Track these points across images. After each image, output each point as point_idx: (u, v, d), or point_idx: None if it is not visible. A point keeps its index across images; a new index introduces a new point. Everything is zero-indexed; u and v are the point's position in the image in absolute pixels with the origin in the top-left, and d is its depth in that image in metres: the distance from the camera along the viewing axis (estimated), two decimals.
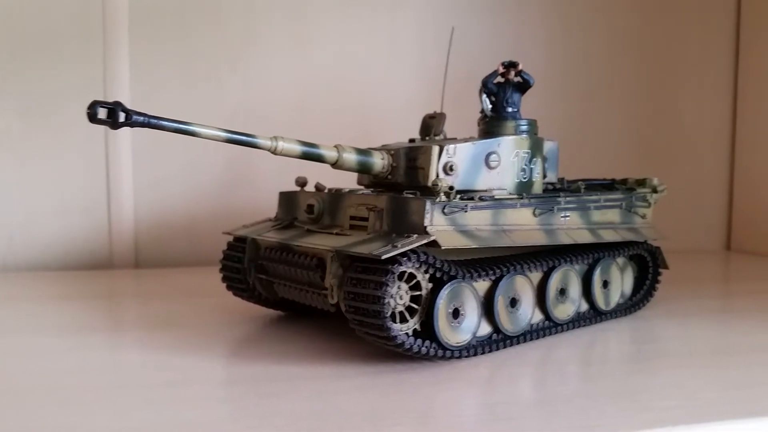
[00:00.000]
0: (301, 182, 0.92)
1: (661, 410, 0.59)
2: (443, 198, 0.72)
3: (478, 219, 0.74)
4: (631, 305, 0.95)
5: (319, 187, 0.92)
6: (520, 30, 1.52)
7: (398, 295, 0.68)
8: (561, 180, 0.98)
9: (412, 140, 0.94)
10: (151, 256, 1.40)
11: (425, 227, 0.70)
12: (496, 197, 0.77)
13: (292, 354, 0.75)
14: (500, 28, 1.51)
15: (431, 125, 0.95)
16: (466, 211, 0.73)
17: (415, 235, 0.69)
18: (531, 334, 0.80)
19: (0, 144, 1.32)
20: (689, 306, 1.01)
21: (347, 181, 0.95)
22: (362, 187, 0.92)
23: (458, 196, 0.75)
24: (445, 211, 0.71)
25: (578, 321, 0.87)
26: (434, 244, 0.69)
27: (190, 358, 0.74)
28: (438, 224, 0.71)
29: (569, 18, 1.55)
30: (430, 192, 0.73)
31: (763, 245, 1.55)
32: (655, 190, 0.98)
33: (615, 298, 0.92)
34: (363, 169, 0.83)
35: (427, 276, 0.70)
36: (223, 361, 0.75)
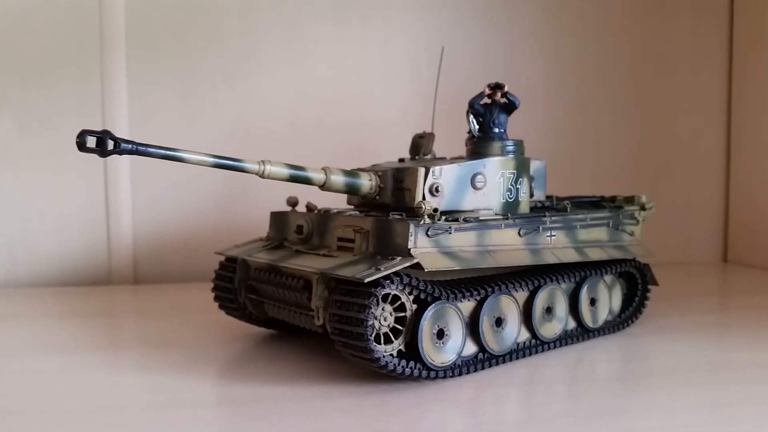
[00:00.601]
0: (292, 202, 0.93)
1: (640, 431, 0.60)
2: (427, 220, 0.73)
3: (462, 240, 0.75)
4: (620, 322, 0.95)
5: (310, 207, 0.93)
6: (513, 47, 1.53)
7: (382, 317, 0.69)
8: (550, 198, 0.99)
9: (401, 160, 0.96)
10: (149, 272, 1.42)
11: (409, 250, 0.71)
12: (480, 218, 0.78)
13: (281, 374, 0.76)
14: (493, 45, 1.52)
15: (420, 144, 0.97)
16: (450, 233, 0.74)
17: (399, 258, 0.70)
18: (517, 353, 0.81)
19: (1, 162, 1.34)
20: (681, 322, 1.01)
21: (339, 201, 0.96)
22: (351, 207, 0.93)
23: (443, 217, 0.76)
24: (429, 233, 0.72)
25: (565, 339, 0.87)
26: (418, 266, 0.70)
27: (180, 378, 0.75)
28: (422, 246, 0.72)
29: (562, 35, 1.56)
30: (417, 213, 0.75)
31: (760, 257, 1.55)
32: (643, 208, 0.99)
33: (603, 316, 0.92)
34: (351, 191, 0.84)
35: (412, 297, 0.71)
36: (213, 382, 0.77)
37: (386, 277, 0.68)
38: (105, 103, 1.36)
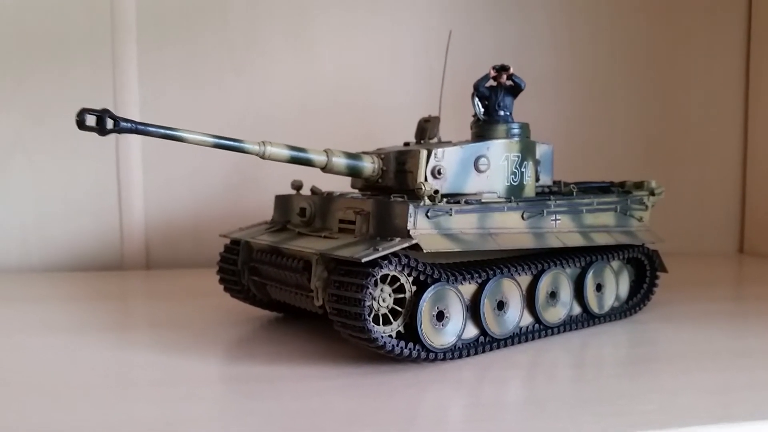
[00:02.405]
0: (297, 185, 0.93)
1: (637, 414, 0.59)
2: (427, 202, 0.72)
3: (463, 222, 0.75)
4: (627, 309, 0.94)
5: (314, 191, 0.93)
6: (524, 31, 1.52)
7: (381, 298, 0.69)
8: (558, 183, 0.98)
9: (406, 144, 0.95)
10: (161, 257, 1.43)
11: (408, 231, 0.70)
12: (483, 201, 0.78)
13: (281, 354, 0.77)
14: (503, 29, 1.51)
15: (426, 129, 0.96)
16: (450, 215, 0.74)
17: (398, 239, 0.70)
18: (520, 337, 0.81)
19: (13, 148, 1.36)
20: (690, 310, 1.00)
21: (344, 185, 0.96)
22: (355, 190, 0.93)
23: (445, 199, 0.75)
24: (429, 214, 0.72)
25: (570, 324, 0.87)
26: (417, 247, 0.70)
27: (185, 357, 0.76)
28: (421, 228, 0.71)
29: (574, 19, 1.54)
30: (417, 195, 0.74)
31: None
32: (652, 193, 0.97)
33: (609, 302, 0.91)
34: (353, 173, 0.84)
35: (411, 279, 0.71)
36: (216, 361, 0.77)
37: (384, 258, 0.67)
38: (116, 89, 1.37)
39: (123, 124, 0.67)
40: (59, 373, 0.72)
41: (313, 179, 0.96)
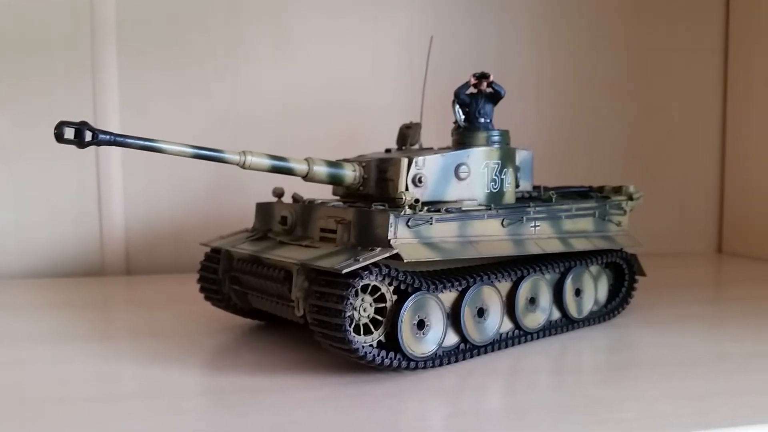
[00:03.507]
0: (278, 193, 0.93)
1: (615, 422, 0.60)
2: (408, 211, 0.73)
3: (443, 231, 0.75)
4: (606, 313, 0.95)
5: (296, 198, 0.93)
6: (505, 37, 1.52)
7: (362, 308, 0.69)
8: (538, 188, 0.99)
9: (388, 150, 0.95)
10: (141, 263, 1.42)
11: (389, 240, 0.71)
12: (463, 209, 0.78)
13: (262, 364, 0.76)
14: (484, 34, 1.52)
15: (407, 135, 0.96)
16: (431, 224, 0.74)
17: (379, 249, 0.70)
18: (500, 343, 0.81)
19: None
20: (670, 313, 1.01)
21: (326, 192, 0.96)
22: (337, 198, 0.93)
23: (425, 208, 0.75)
24: (410, 223, 0.72)
25: (550, 329, 0.87)
26: (398, 256, 0.70)
27: (167, 368, 0.76)
28: (402, 237, 0.72)
29: (554, 25, 1.55)
30: (398, 204, 0.74)
31: (754, 248, 1.54)
32: (630, 198, 0.98)
33: (588, 306, 0.92)
34: (334, 182, 0.84)
35: (392, 288, 0.71)
36: (197, 372, 0.77)
37: (365, 268, 0.68)
38: (96, 95, 1.36)
39: (102, 136, 0.66)
40: (37, 387, 0.71)
41: (294, 186, 0.96)
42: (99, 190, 1.38)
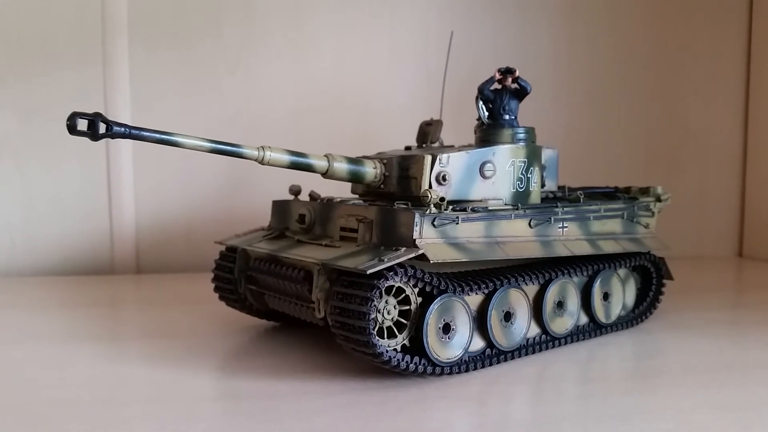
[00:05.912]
0: (295, 191, 0.90)
1: None
2: (433, 210, 0.70)
3: (469, 231, 0.72)
4: (633, 318, 0.92)
5: (313, 196, 0.91)
6: (524, 33, 1.49)
7: (386, 310, 0.66)
8: (562, 188, 0.96)
9: (408, 148, 0.92)
10: (152, 261, 1.39)
11: (414, 240, 0.68)
12: (489, 208, 0.75)
13: (280, 368, 0.74)
14: (503, 31, 1.49)
15: (428, 132, 0.93)
16: (457, 223, 0.71)
17: (404, 249, 0.67)
18: (527, 348, 0.78)
19: (1, 150, 1.32)
20: (695, 318, 0.98)
21: (344, 190, 0.93)
22: (356, 196, 0.90)
23: (450, 207, 0.73)
24: (435, 223, 0.69)
25: (577, 334, 0.84)
26: (423, 257, 0.67)
27: (179, 372, 0.73)
28: (427, 237, 0.69)
29: (574, 22, 1.52)
30: (422, 203, 0.71)
31: None
32: (659, 199, 0.95)
33: (616, 311, 0.89)
34: (355, 179, 0.81)
35: (416, 290, 0.68)
36: (211, 376, 0.74)
37: (390, 269, 0.65)
38: (107, 90, 1.34)
39: (116, 128, 0.63)
40: (44, 390, 0.68)
41: (310, 184, 0.93)
42: (109, 187, 1.36)
